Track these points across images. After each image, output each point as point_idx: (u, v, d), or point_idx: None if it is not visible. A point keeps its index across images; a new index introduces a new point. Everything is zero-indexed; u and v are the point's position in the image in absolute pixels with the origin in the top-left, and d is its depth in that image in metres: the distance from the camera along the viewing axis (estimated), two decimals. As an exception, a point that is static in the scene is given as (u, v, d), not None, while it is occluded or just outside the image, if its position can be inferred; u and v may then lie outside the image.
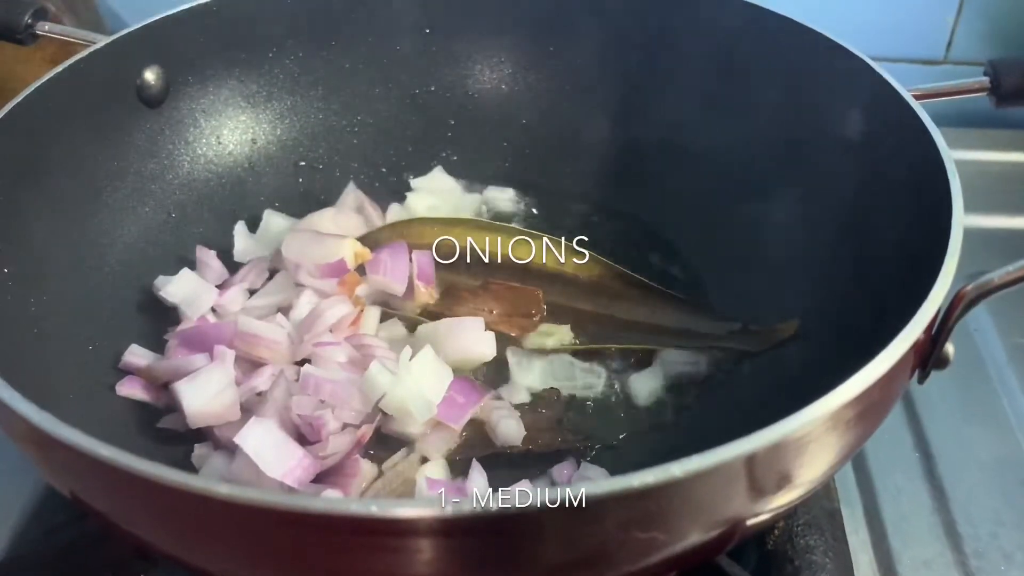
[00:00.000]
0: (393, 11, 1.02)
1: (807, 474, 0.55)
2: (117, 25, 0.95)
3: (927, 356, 0.61)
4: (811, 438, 0.51)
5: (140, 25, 0.89)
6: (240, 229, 0.95)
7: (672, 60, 0.95)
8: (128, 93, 0.89)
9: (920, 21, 1.28)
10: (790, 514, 0.75)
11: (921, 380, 0.63)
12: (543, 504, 0.45)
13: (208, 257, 0.91)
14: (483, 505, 0.45)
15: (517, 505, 0.44)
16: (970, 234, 0.62)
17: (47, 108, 0.80)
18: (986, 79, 0.79)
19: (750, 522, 0.55)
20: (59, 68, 0.81)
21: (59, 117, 0.82)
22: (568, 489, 0.45)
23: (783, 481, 0.54)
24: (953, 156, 0.68)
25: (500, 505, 0.44)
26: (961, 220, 0.63)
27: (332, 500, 0.47)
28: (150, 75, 0.90)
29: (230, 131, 0.99)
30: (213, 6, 0.93)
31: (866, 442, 0.62)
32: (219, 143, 0.98)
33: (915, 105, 0.74)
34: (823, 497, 0.77)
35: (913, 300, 0.57)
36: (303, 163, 1.02)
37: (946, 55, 1.31)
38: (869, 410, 0.55)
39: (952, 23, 1.29)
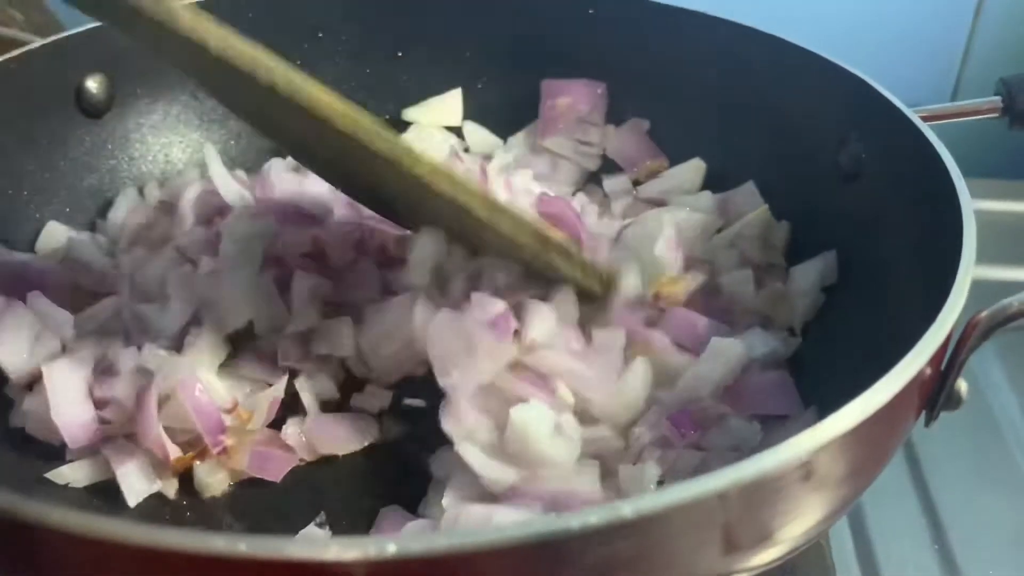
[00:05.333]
0: (364, 33, 0.96)
1: (790, 527, 0.46)
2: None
3: (936, 394, 0.52)
4: (796, 478, 0.42)
5: (84, 28, 0.82)
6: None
7: (675, 86, 0.89)
8: (66, 101, 0.83)
9: (925, 67, 1.23)
10: (778, 582, 0.66)
11: (928, 422, 0.54)
12: (451, 549, 0.35)
13: None
14: (383, 549, 0.36)
15: (417, 550, 0.35)
16: (980, 285, 0.54)
17: (-35, 107, 0.74)
18: (998, 99, 0.72)
19: (723, 583, 0.46)
20: (-18, 67, 0.75)
21: (-20, 118, 0.75)
22: (483, 532, 0.36)
23: (761, 533, 0.45)
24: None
25: (399, 551, 0.35)
26: (973, 239, 0.55)
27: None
28: (92, 83, 0.84)
29: (180, 149, 0.92)
30: (167, 15, 0.87)
31: (862, 494, 0.53)
32: (167, 161, 0.91)
33: (921, 124, 0.67)
34: (815, 564, 0.69)
35: (922, 329, 0.49)
36: (259, 187, 0.95)
37: (952, 101, 1.25)
38: (867, 451, 0.47)
39: (957, 69, 1.24)
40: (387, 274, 0.76)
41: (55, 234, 0.81)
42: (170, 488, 0.67)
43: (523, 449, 0.61)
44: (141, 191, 0.88)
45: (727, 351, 0.67)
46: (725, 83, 0.85)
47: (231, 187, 0.81)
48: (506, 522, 0.55)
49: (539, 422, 0.61)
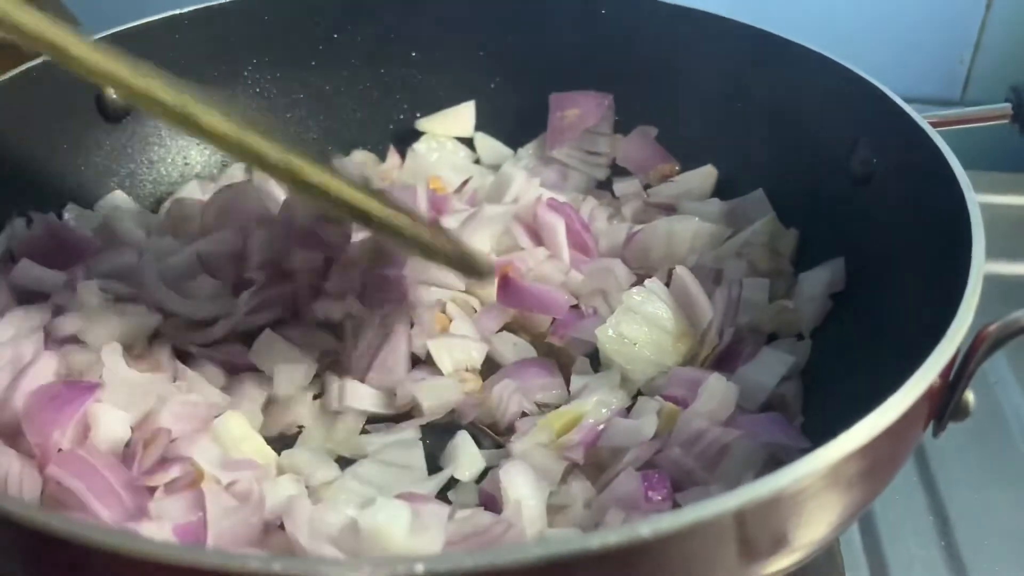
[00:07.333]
0: (379, 33, 0.96)
1: (805, 536, 0.48)
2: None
3: (944, 405, 0.54)
4: (808, 494, 0.44)
5: (104, 34, 0.83)
6: None
7: (684, 90, 0.90)
8: (87, 105, 0.84)
9: (935, 60, 1.23)
10: (788, 582, 0.67)
11: (936, 432, 0.55)
12: (476, 569, 0.37)
13: None
14: (411, 568, 0.37)
15: (444, 569, 0.37)
16: (988, 280, 0.55)
17: (-8, 116, 0.75)
18: (1008, 106, 0.72)
19: (736, 592, 0.47)
20: (7, 75, 0.76)
21: (5, 126, 0.76)
22: (506, 550, 0.37)
23: (777, 543, 0.46)
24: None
25: (427, 571, 0.37)
26: (982, 252, 0.56)
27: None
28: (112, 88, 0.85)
29: (199, 151, 0.93)
30: (185, 18, 0.88)
31: (873, 501, 0.54)
32: (186, 164, 0.92)
33: (932, 132, 0.68)
34: (825, 564, 0.70)
35: (930, 341, 0.50)
36: (276, 188, 0.96)
37: (963, 96, 1.25)
38: (877, 463, 0.48)
39: (968, 62, 1.23)
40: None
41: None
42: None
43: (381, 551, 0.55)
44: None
45: (719, 388, 0.66)
46: (735, 87, 0.86)
47: (274, 196, 0.81)
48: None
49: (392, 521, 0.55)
